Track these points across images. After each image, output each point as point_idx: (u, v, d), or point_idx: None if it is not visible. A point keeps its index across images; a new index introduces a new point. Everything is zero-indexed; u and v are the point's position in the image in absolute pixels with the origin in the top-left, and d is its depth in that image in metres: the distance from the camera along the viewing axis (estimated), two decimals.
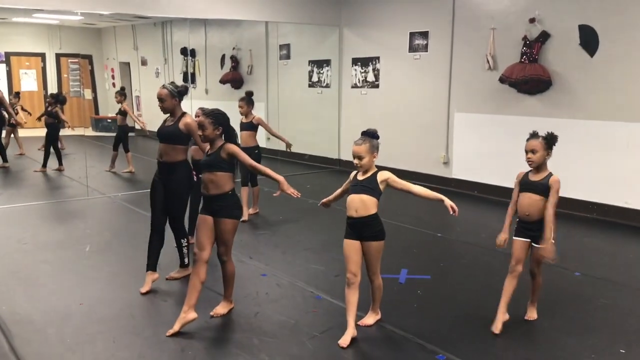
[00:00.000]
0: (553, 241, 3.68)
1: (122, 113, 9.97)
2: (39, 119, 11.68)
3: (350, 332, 3.64)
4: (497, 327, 3.79)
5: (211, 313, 4.04)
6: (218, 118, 3.89)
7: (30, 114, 13.16)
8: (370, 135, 3.74)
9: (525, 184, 3.90)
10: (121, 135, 10.07)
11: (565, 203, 7.21)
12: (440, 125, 8.79)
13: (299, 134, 11.44)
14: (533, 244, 3.86)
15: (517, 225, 3.93)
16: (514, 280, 3.87)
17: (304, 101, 11.38)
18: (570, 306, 4.32)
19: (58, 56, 17.36)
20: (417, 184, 3.84)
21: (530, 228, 3.84)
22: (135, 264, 4.99)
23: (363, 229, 3.66)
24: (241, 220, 6.48)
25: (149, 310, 4.20)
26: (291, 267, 5.14)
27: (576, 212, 7.08)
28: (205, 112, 3.95)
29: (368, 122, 9.71)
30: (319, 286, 4.61)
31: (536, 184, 3.84)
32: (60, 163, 10.31)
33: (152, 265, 4.63)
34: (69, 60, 17.38)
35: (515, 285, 3.86)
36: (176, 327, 3.77)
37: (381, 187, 3.68)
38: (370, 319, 3.95)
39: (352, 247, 3.68)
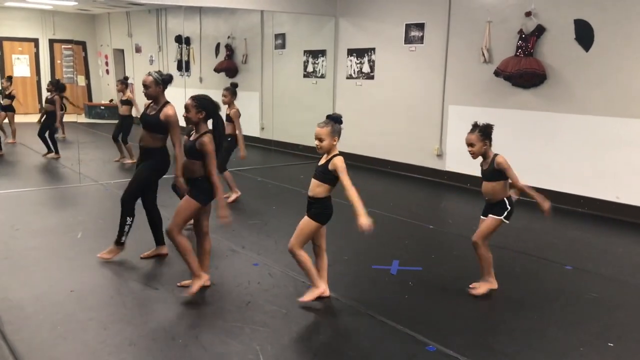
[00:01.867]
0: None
1: (126, 102, 9.64)
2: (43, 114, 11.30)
3: (320, 292, 4.09)
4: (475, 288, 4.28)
5: (179, 283, 4.30)
6: (202, 102, 4.05)
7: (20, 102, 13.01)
8: (334, 119, 3.90)
9: (481, 173, 4.29)
10: (124, 125, 9.74)
11: (556, 197, 7.26)
12: (435, 117, 8.79)
13: (293, 124, 11.44)
14: (482, 217, 4.31)
15: (485, 206, 4.34)
16: (479, 250, 4.29)
17: (299, 91, 11.35)
18: (560, 299, 4.35)
19: (51, 42, 17.23)
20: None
21: (489, 207, 4.26)
22: (127, 252, 4.98)
23: (309, 206, 3.94)
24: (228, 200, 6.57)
25: (140, 298, 4.20)
26: (283, 256, 5.13)
27: (567, 205, 7.12)
28: (192, 96, 4.08)
29: (362, 113, 9.74)
30: None
31: (485, 171, 4.23)
32: (49, 151, 10.20)
33: (157, 241, 4.96)
34: (63, 46, 17.26)
35: (485, 257, 4.30)
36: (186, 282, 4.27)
37: (334, 173, 3.81)
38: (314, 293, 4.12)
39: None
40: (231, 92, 6.99)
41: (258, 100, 12.28)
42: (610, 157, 6.76)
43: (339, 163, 3.78)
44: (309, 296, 4.05)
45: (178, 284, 4.36)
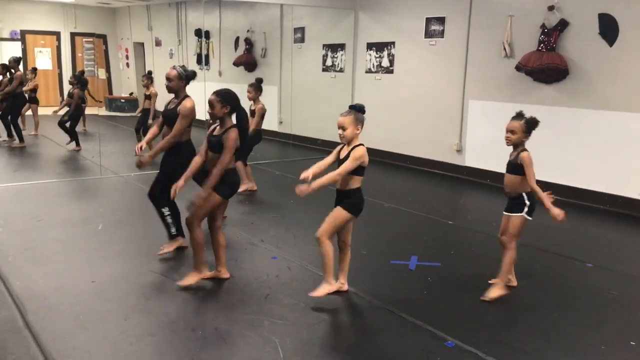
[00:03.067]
0: None
1: (149, 97, 9.79)
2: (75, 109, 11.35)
3: (338, 286, 4.09)
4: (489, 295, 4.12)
5: (179, 282, 4.22)
6: (225, 97, 4.02)
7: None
8: (357, 109, 3.86)
9: (507, 164, 4.18)
10: (145, 119, 9.84)
11: (578, 193, 7.18)
12: (455, 112, 8.73)
13: (311, 118, 11.44)
14: (504, 213, 4.22)
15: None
16: (506, 251, 4.20)
17: (318, 85, 11.34)
18: (581, 297, 4.31)
19: (73, 35, 17.40)
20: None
21: (510, 202, 4.19)
22: (147, 243, 5.03)
23: (340, 198, 3.95)
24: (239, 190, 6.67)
25: (160, 289, 4.24)
26: (302, 250, 5.15)
27: (589, 203, 7.03)
28: (215, 91, 4.07)
29: (381, 107, 9.70)
30: None
31: (509, 163, 4.13)
32: (71, 141, 10.33)
33: (172, 234, 4.93)
34: (84, 40, 17.43)
35: (509, 256, 4.18)
36: (208, 274, 4.29)
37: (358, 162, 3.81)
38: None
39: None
40: (255, 87, 6.97)
41: (277, 94, 12.28)
42: (633, 154, 6.66)
43: (357, 152, 3.78)
44: (320, 292, 4.01)
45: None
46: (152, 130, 4.95)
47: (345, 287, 4.16)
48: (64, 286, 4.20)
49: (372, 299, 4.13)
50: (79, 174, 8.51)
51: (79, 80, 10.54)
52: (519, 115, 4.07)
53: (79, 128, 10.88)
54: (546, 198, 3.96)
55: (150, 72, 10.44)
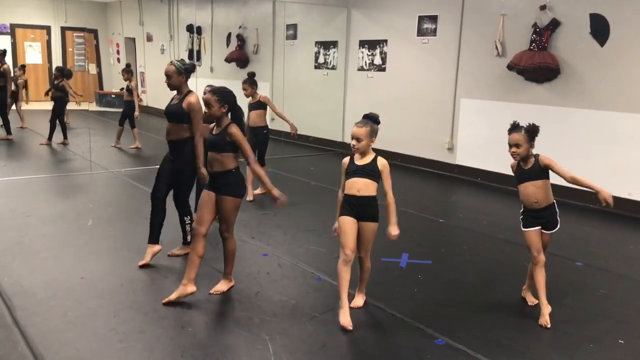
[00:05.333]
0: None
1: (129, 90, 10.00)
2: (46, 93, 11.55)
3: (347, 310, 3.68)
4: (546, 320, 3.76)
5: (211, 291, 4.06)
6: (224, 96, 3.88)
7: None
8: (373, 119, 3.76)
9: (521, 175, 3.91)
10: (127, 111, 10.09)
11: (568, 193, 7.21)
12: (446, 110, 8.74)
13: (303, 115, 11.39)
14: (543, 231, 3.91)
15: (525, 216, 3.93)
16: (541, 270, 3.87)
17: (310, 82, 11.32)
18: (571, 296, 4.33)
19: (63, 29, 17.27)
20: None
21: (539, 215, 3.87)
22: (137, 239, 5.01)
23: (362, 208, 3.68)
24: (247, 199, 6.53)
25: (150, 285, 4.22)
26: (292, 247, 5.15)
27: (579, 202, 7.07)
28: (212, 90, 3.93)
29: (373, 105, 9.65)
30: (319, 267, 4.63)
31: (531, 171, 3.87)
32: (65, 137, 10.31)
33: (152, 239, 4.65)
34: (74, 34, 17.31)
35: (544, 275, 3.87)
36: (173, 297, 3.86)
37: (381, 173, 3.71)
38: (360, 300, 3.98)
39: (350, 224, 3.69)
40: (250, 82, 6.83)
41: (269, 91, 12.24)
42: (623, 154, 6.70)
43: (387, 166, 3.73)
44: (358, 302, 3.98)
45: (169, 254, 4.42)
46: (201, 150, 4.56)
47: (361, 303, 4.02)
48: (53, 282, 4.17)
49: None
50: (69, 169, 8.45)
51: (62, 73, 10.44)
52: (517, 127, 3.88)
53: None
54: (592, 183, 3.80)
55: (128, 65, 10.53)
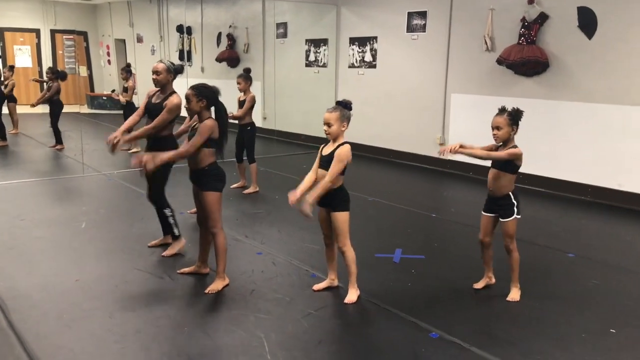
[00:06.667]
0: None
1: (126, 90, 9.81)
2: (43, 99, 11.19)
3: (328, 282, 4.14)
4: (478, 285, 4.19)
5: (206, 290, 4.08)
6: (201, 90, 3.99)
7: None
8: (343, 105, 3.84)
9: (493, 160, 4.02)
10: (128, 113, 9.72)
11: (559, 185, 7.27)
12: (437, 106, 8.78)
13: (295, 113, 11.44)
14: (500, 219, 4.01)
15: (486, 200, 4.10)
16: (487, 250, 4.18)
17: (301, 81, 11.33)
18: (563, 286, 4.37)
19: (53, 32, 17.18)
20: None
21: (493, 202, 4.04)
22: (131, 241, 5.01)
23: (327, 200, 3.83)
24: (243, 191, 6.60)
25: (145, 286, 4.23)
26: (287, 245, 5.17)
27: (570, 194, 7.13)
28: (190, 86, 4.05)
29: (365, 102, 9.72)
30: (314, 265, 4.65)
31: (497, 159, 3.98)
32: (58, 142, 10.19)
33: (176, 235, 4.86)
34: (64, 37, 17.22)
35: (490, 254, 4.19)
36: (186, 270, 4.37)
37: (344, 163, 3.79)
38: (353, 294, 4.00)
39: (321, 214, 3.99)
40: (245, 78, 6.91)
41: (260, 89, 12.25)
42: (613, 145, 6.76)
43: (342, 154, 3.74)
44: (319, 285, 4.16)
45: (178, 272, 4.42)
46: (132, 119, 4.79)
47: (336, 282, 4.18)
48: (47, 285, 4.17)
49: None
50: (62, 172, 8.43)
51: (57, 74, 10.36)
52: (502, 110, 3.93)
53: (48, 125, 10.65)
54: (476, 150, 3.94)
55: (129, 65, 10.42)
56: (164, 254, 4.80)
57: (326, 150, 3.87)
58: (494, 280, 4.30)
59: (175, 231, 4.84)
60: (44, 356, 3.20)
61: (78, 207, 6.42)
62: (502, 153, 3.90)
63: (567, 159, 7.21)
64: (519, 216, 3.99)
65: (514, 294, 4.07)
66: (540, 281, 4.47)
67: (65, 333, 3.49)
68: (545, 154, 7.34)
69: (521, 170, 4.08)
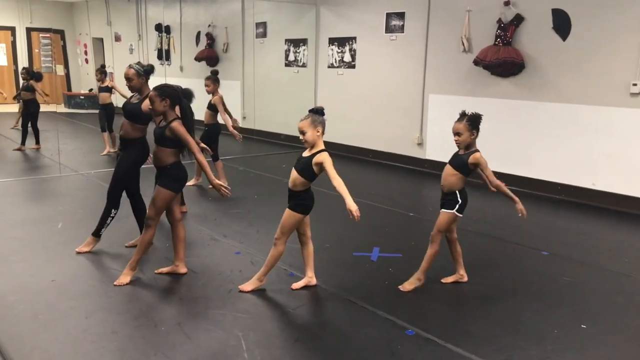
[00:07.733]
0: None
1: (108, 90, 9.52)
2: (15, 98, 11.07)
3: (306, 281, 4.20)
4: (405, 286, 4.21)
5: (115, 282, 4.18)
6: (164, 90, 4.03)
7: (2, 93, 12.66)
8: (314, 111, 3.87)
9: (451, 157, 4.18)
10: (110, 113, 9.63)
11: (533, 184, 7.38)
12: (415, 106, 8.85)
13: (275, 113, 11.43)
14: (441, 209, 4.20)
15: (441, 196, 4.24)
16: (450, 245, 4.36)
17: (280, 80, 11.34)
18: (536, 284, 4.45)
19: (29, 30, 16.95)
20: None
21: (443, 198, 4.19)
22: (108, 241, 4.98)
23: (289, 198, 3.95)
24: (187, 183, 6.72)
25: (122, 287, 4.21)
26: (265, 245, 5.15)
27: (544, 192, 7.24)
28: (153, 87, 4.08)
29: (344, 102, 9.77)
30: (292, 264, 4.66)
31: (457, 158, 4.11)
32: (37, 142, 10.06)
33: (99, 234, 4.88)
34: (40, 35, 16.99)
35: (457, 249, 4.36)
36: (164, 270, 4.37)
37: (315, 169, 3.80)
38: (302, 281, 4.19)
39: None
40: (213, 80, 7.01)
41: (239, 89, 12.24)
42: (587, 145, 6.88)
43: (325, 158, 3.75)
44: (248, 286, 4.12)
45: (156, 271, 4.41)
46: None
47: (314, 281, 4.21)
48: (22, 286, 4.13)
49: (335, 290, 4.19)
50: (38, 172, 8.33)
51: (32, 75, 10.20)
52: (462, 116, 4.03)
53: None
54: (511, 193, 4.02)
55: (103, 66, 10.30)
56: (77, 249, 4.83)
57: (305, 154, 3.90)
58: (466, 278, 4.36)
59: (102, 231, 4.88)
60: (18, 357, 3.18)
61: (54, 207, 6.35)
62: (487, 171, 4.05)
63: (542, 158, 7.32)
64: (459, 214, 4.14)
65: (409, 284, 4.21)
66: (515, 279, 4.54)
67: (40, 334, 3.46)
68: (520, 153, 7.44)
69: (496, 169, 4.16)
